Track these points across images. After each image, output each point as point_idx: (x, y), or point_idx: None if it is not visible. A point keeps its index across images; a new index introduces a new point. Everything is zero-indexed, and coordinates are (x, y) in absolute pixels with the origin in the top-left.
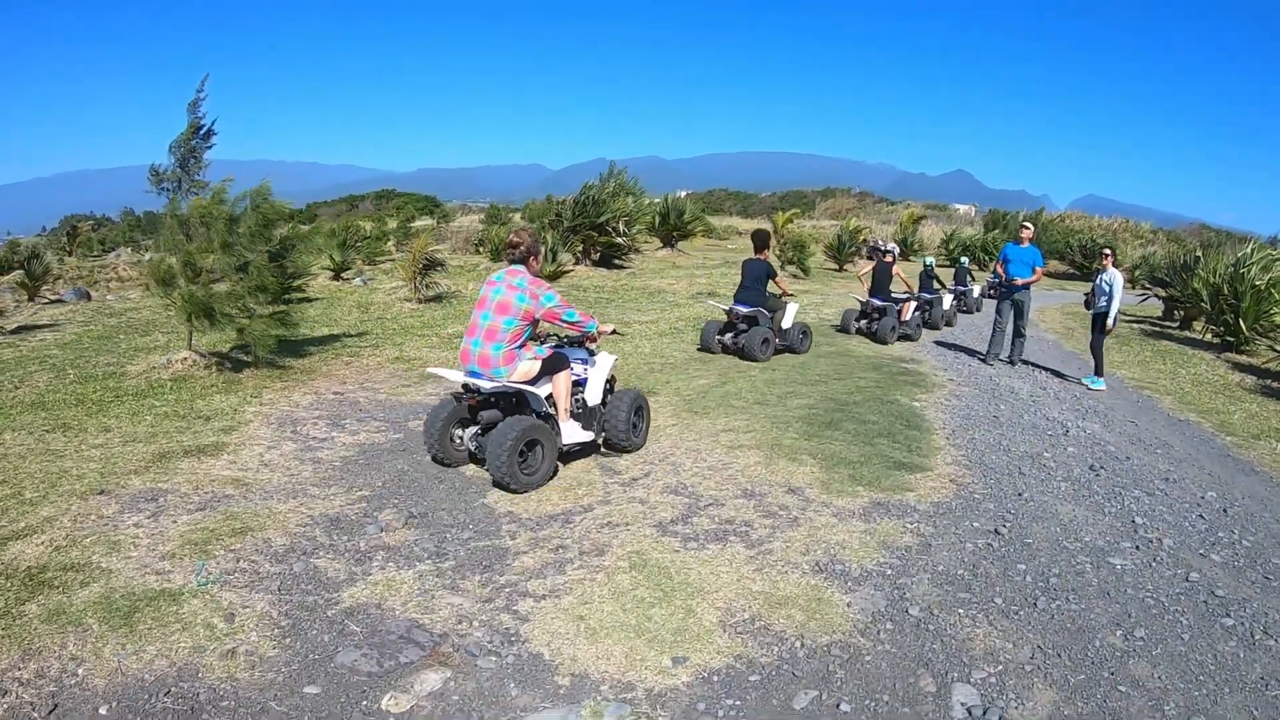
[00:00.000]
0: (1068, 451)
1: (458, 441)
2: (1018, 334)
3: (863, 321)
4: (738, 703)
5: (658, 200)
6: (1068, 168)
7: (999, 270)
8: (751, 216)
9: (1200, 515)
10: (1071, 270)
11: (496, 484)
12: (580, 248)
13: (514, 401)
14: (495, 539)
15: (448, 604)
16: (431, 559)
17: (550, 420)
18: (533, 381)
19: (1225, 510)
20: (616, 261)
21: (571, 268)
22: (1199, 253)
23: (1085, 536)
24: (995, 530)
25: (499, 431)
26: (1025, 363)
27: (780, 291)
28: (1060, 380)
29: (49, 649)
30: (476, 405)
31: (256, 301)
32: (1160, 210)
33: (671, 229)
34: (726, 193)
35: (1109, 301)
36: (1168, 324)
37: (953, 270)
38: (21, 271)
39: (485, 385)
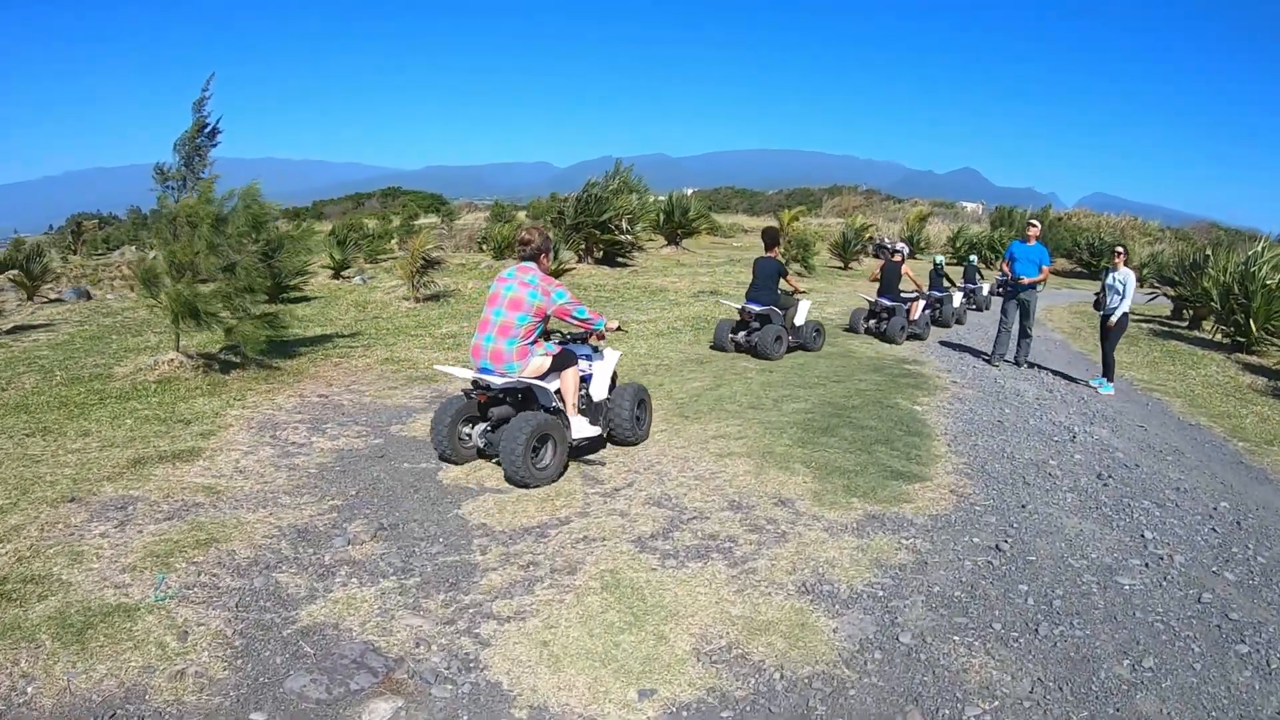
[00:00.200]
0: (1074, 459)
1: (466, 439)
2: (1024, 334)
3: (871, 321)
4: None
5: (662, 198)
6: (1075, 165)
7: (1005, 269)
8: (758, 214)
9: (1213, 528)
10: (1079, 269)
11: (509, 479)
12: (583, 245)
13: (522, 398)
14: (465, 554)
15: (407, 625)
16: (396, 575)
17: (560, 415)
18: (542, 377)
19: (1239, 523)
20: (620, 259)
21: (573, 266)
22: (1208, 251)
23: (1092, 553)
24: (996, 546)
25: (513, 427)
26: (1031, 364)
27: (792, 289)
28: (1067, 382)
29: (1, 665)
30: (487, 401)
31: (245, 302)
32: (1168, 208)
33: (676, 227)
34: (733, 190)
35: (1120, 301)
36: (1176, 323)
37: (961, 268)
38: (19, 271)
39: (498, 381)
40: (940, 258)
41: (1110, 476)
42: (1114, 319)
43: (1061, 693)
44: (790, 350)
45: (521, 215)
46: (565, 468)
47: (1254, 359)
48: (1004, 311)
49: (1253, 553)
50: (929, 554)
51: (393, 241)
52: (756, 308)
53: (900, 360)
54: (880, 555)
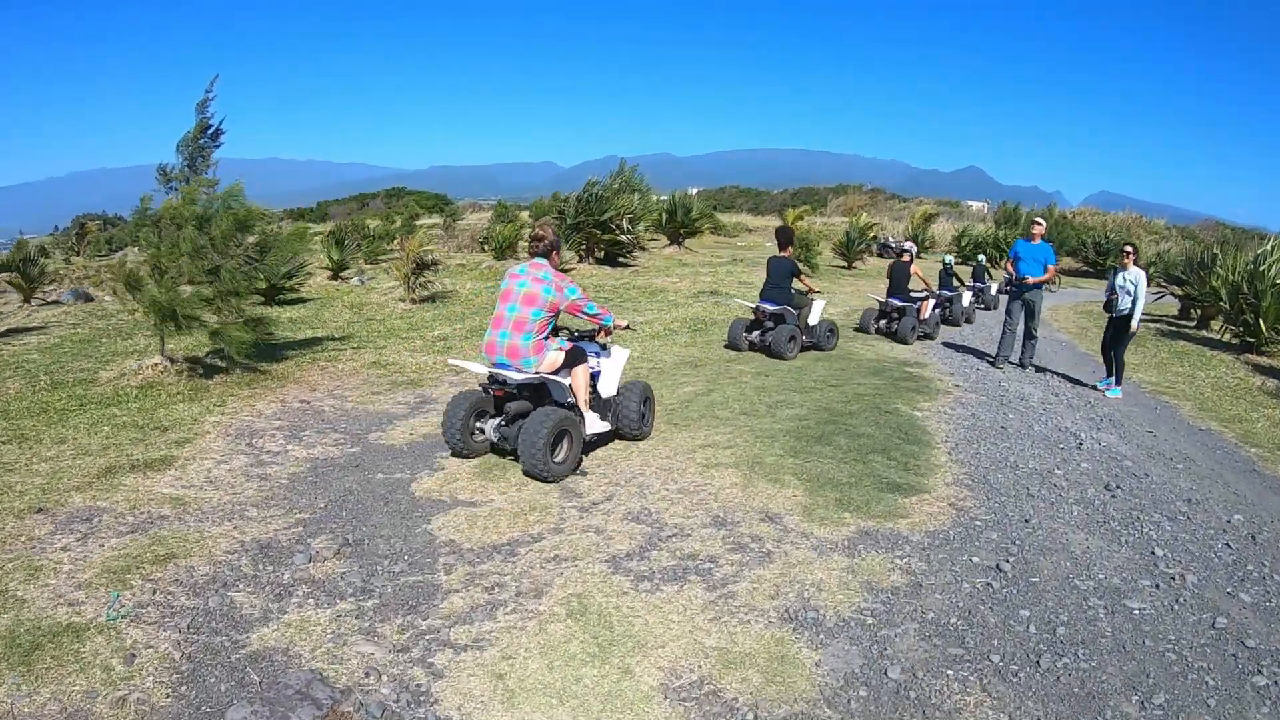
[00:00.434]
0: (1081, 468)
1: (479, 434)
2: (1029, 335)
3: (882, 322)
4: None
5: (665, 197)
6: (1080, 164)
7: (1009, 268)
8: (763, 214)
9: (1226, 543)
10: (1085, 268)
11: (527, 474)
12: (583, 245)
13: (535, 392)
14: (428, 573)
15: (359, 653)
16: (355, 596)
17: (575, 411)
18: (555, 373)
19: (1254, 537)
20: (621, 259)
21: (573, 265)
22: (1216, 250)
23: (1099, 573)
24: (997, 566)
25: (532, 423)
26: (1036, 367)
27: (806, 289)
28: (1073, 385)
29: None
30: (503, 397)
31: (229, 305)
32: (1174, 207)
33: (679, 226)
34: (738, 190)
35: (1133, 303)
36: (1184, 323)
37: (970, 267)
38: (16, 273)
39: (515, 376)
40: (949, 257)
41: (1118, 487)
42: (1134, 322)
43: None
44: (804, 349)
45: (525, 215)
46: (579, 462)
47: (1264, 360)
48: (1008, 312)
49: (1269, 570)
50: (924, 575)
51: (394, 242)
52: (771, 307)
53: (901, 363)
54: (871, 577)
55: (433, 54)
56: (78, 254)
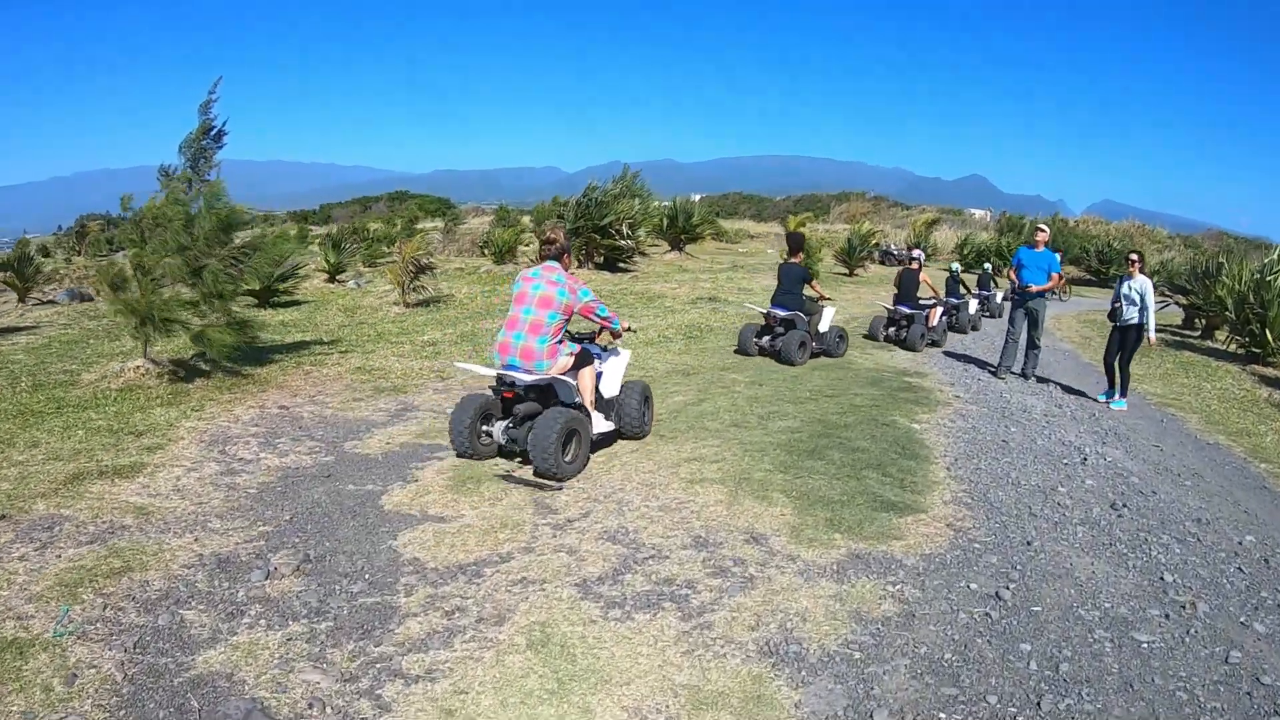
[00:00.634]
0: (1086, 485)
1: (486, 437)
2: (1032, 345)
3: (891, 329)
4: None
5: (667, 203)
6: (1083, 173)
7: (1012, 276)
8: (766, 220)
9: (1239, 567)
10: (1088, 276)
11: (538, 473)
12: (583, 250)
13: (540, 394)
14: (388, 594)
15: (304, 681)
16: (308, 618)
17: (582, 411)
18: (563, 374)
19: (1267, 560)
20: (620, 264)
21: (573, 270)
22: (1221, 259)
23: (1105, 602)
24: (996, 594)
25: (544, 423)
26: (1039, 378)
27: (817, 295)
28: (1077, 397)
29: None
30: (512, 398)
31: (213, 307)
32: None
33: (680, 232)
34: (741, 196)
35: (1141, 313)
36: (1188, 333)
37: (975, 275)
38: (11, 272)
39: (525, 378)
40: (956, 265)
41: (1125, 506)
42: (1151, 334)
43: None
44: (814, 356)
45: (526, 219)
46: (587, 461)
47: (1270, 370)
48: (1011, 321)
49: None
50: (918, 604)
51: (395, 245)
52: (782, 312)
53: (901, 372)
54: (861, 605)
55: (437, 57)
56: (79, 254)
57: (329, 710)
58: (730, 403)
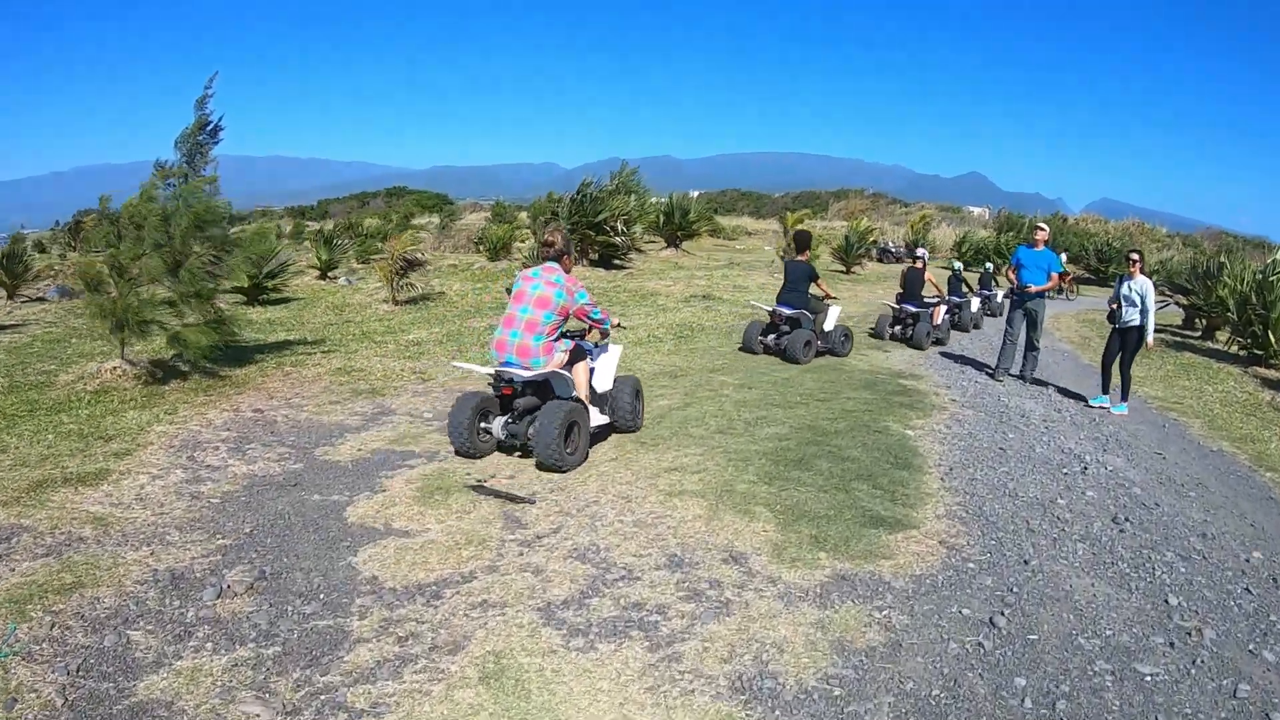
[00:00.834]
0: (1086, 497)
1: (485, 434)
2: (1030, 346)
3: (897, 328)
4: None
5: (663, 200)
6: (1082, 171)
7: (1010, 276)
8: (763, 217)
9: (1247, 588)
10: (1087, 275)
11: (541, 466)
12: (577, 247)
13: (538, 389)
14: (341, 616)
15: (244, 713)
16: (256, 641)
17: (580, 403)
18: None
19: (1275, 580)
20: (615, 261)
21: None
22: (1223, 259)
23: (1107, 628)
24: (990, 620)
25: (546, 416)
26: (1037, 380)
27: (823, 294)
28: (1077, 401)
29: None
30: (510, 395)
31: (191, 306)
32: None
33: (676, 228)
34: (739, 193)
35: (1142, 314)
36: (1188, 333)
37: (978, 274)
38: (0, 269)
39: (524, 374)
40: (959, 264)
41: (1127, 520)
42: (1149, 336)
43: None
44: (819, 354)
45: (523, 215)
46: (587, 454)
47: (1272, 373)
48: (1009, 322)
49: None
50: (906, 632)
51: (386, 241)
52: (787, 310)
53: (896, 374)
54: (844, 634)
55: (435, 53)
56: (74, 249)
57: None
58: (717, 407)
